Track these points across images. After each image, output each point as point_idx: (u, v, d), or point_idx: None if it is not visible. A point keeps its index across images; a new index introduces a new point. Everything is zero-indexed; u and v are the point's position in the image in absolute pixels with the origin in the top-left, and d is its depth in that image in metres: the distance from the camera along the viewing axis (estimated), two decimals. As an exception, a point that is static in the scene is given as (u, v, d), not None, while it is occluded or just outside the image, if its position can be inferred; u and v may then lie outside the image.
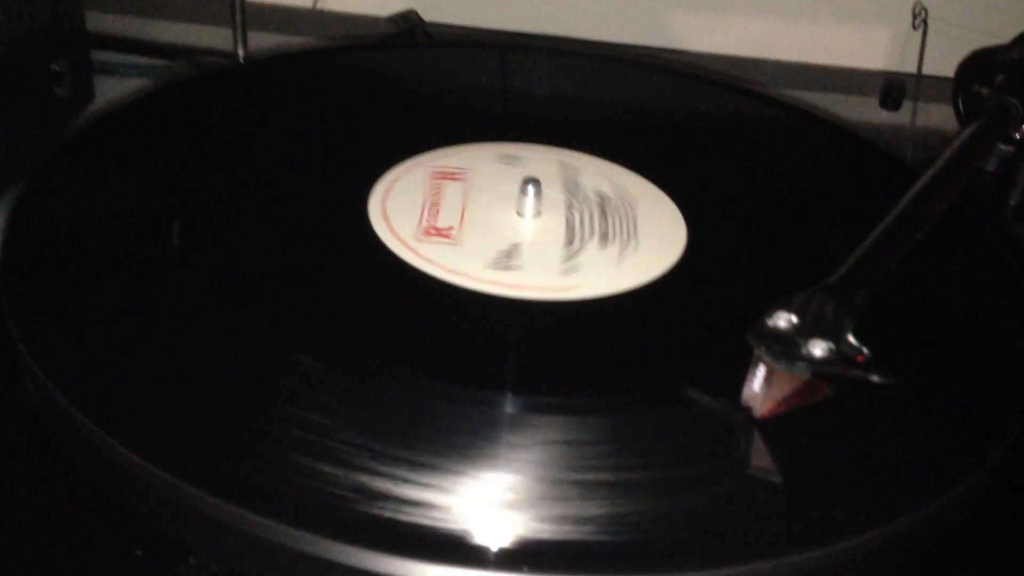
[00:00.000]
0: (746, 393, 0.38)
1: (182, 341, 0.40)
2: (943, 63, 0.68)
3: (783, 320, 0.38)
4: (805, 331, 0.37)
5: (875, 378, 0.36)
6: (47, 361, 0.37)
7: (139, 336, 0.40)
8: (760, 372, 0.37)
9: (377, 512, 0.33)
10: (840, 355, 0.37)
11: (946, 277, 0.49)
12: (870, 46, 0.82)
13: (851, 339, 0.38)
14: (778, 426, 0.38)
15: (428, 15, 0.80)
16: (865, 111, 0.74)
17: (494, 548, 0.33)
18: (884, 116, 0.72)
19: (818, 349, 0.37)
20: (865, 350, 0.37)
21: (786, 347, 0.37)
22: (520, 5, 0.84)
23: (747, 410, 0.38)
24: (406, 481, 0.34)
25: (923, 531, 0.37)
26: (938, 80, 0.70)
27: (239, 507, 0.33)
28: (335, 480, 0.34)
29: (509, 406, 0.38)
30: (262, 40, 0.74)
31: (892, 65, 0.81)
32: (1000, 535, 0.40)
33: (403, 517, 0.33)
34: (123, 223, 0.46)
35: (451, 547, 0.32)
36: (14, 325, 0.39)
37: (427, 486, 0.34)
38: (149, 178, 0.50)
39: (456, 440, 0.36)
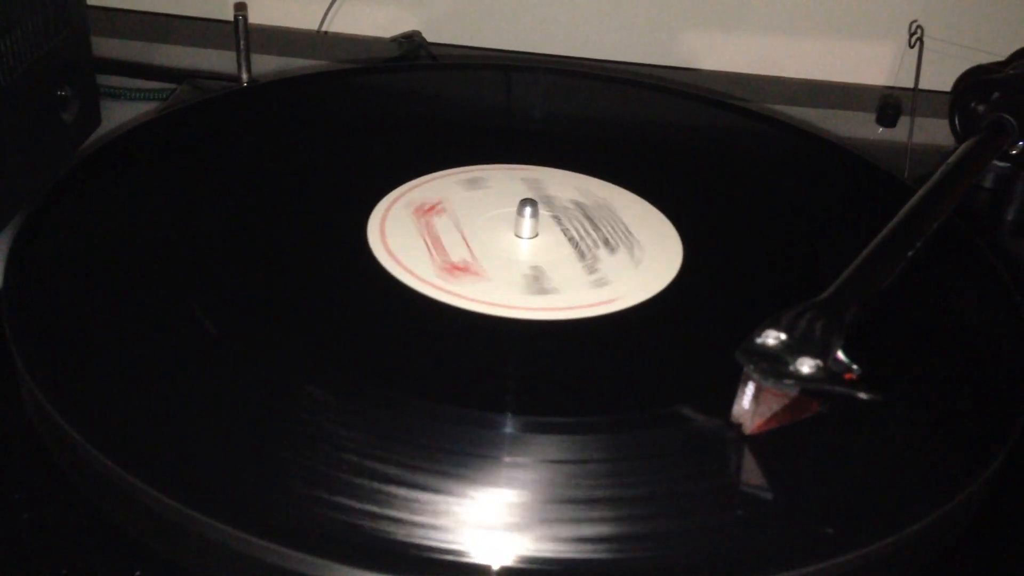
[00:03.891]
0: (736, 410, 0.38)
1: (185, 366, 0.40)
2: (940, 80, 0.69)
3: (772, 338, 0.38)
4: (793, 348, 0.38)
5: (862, 395, 0.37)
6: (51, 387, 0.38)
7: (142, 361, 0.40)
8: (749, 389, 0.38)
9: (381, 534, 0.33)
10: (828, 372, 0.37)
11: (943, 293, 0.49)
12: (868, 63, 0.83)
13: (840, 356, 0.38)
14: (769, 443, 0.38)
15: (432, 36, 0.81)
16: (863, 127, 0.74)
17: (496, 567, 0.33)
18: (882, 132, 0.73)
19: (806, 366, 0.37)
20: (855, 367, 0.38)
21: (774, 364, 0.37)
22: (525, 26, 0.85)
23: (737, 427, 0.38)
24: (411, 502, 0.34)
25: (914, 548, 0.37)
26: (935, 96, 0.71)
27: (239, 530, 0.33)
28: (338, 502, 0.34)
29: (512, 426, 0.39)
30: (268, 63, 0.75)
31: (891, 81, 0.82)
32: (991, 553, 0.40)
33: (408, 538, 0.33)
34: (128, 247, 0.47)
35: (455, 567, 0.33)
36: (17, 351, 0.39)
37: (431, 507, 0.34)
38: (155, 202, 0.50)
39: (460, 461, 0.37)
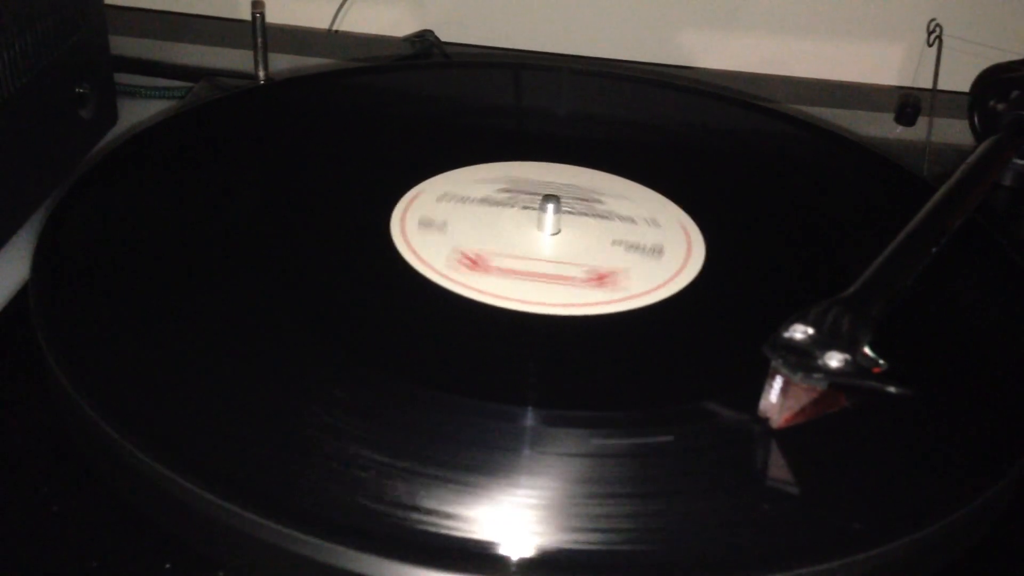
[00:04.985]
0: (763, 404, 0.38)
1: (212, 358, 0.40)
2: (958, 79, 0.69)
3: (800, 332, 0.38)
4: (821, 343, 0.38)
5: (891, 389, 0.37)
6: (78, 378, 0.38)
7: (168, 354, 0.40)
8: (777, 383, 0.38)
9: (404, 524, 0.34)
10: (856, 366, 0.37)
11: (963, 290, 0.49)
12: (885, 62, 0.83)
13: (868, 351, 0.38)
14: (796, 437, 0.38)
15: (444, 35, 0.81)
16: (881, 126, 0.74)
17: (516, 559, 0.33)
18: (900, 131, 0.73)
19: (834, 361, 0.37)
20: (882, 361, 0.38)
21: (802, 359, 0.37)
22: (535, 24, 0.85)
23: (764, 421, 0.38)
24: (435, 494, 0.35)
25: (942, 543, 0.37)
26: (953, 95, 0.70)
27: (268, 520, 0.33)
28: (363, 493, 0.34)
29: (533, 419, 0.39)
30: (279, 61, 0.75)
31: (907, 81, 0.82)
32: (1018, 550, 0.40)
33: (430, 529, 0.34)
34: (150, 244, 0.47)
35: (476, 558, 0.33)
36: (46, 345, 0.39)
37: (453, 498, 0.35)
38: (174, 198, 0.51)
39: (482, 453, 0.37)
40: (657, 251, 0.49)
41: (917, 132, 0.72)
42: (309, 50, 0.80)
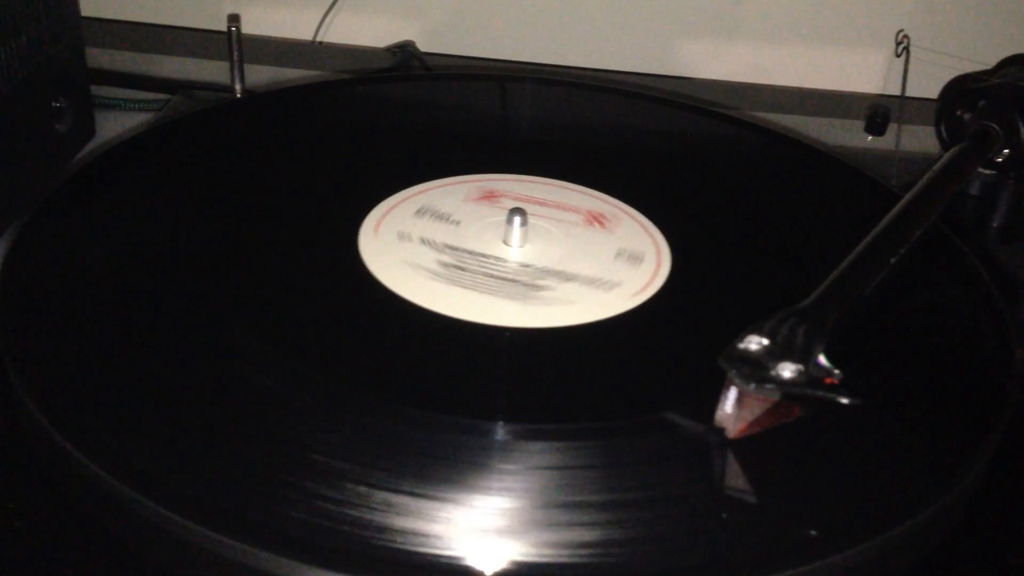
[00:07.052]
0: (719, 415, 0.39)
1: (180, 377, 0.41)
2: (927, 88, 0.69)
3: (754, 343, 0.39)
4: (775, 354, 0.38)
5: (843, 399, 0.37)
6: (47, 403, 0.38)
7: (137, 372, 0.41)
8: (732, 394, 0.38)
9: (376, 542, 0.34)
10: (809, 377, 0.38)
11: (929, 298, 0.50)
12: (858, 71, 0.83)
13: (822, 361, 0.38)
14: (751, 446, 0.38)
15: (427, 46, 0.81)
16: (853, 134, 0.74)
17: (489, 573, 0.33)
18: (870, 140, 0.73)
19: (787, 371, 0.38)
20: (836, 371, 0.38)
21: (756, 370, 0.38)
22: (520, 35, 0.85)
23: (721, 431, 0.39)
24: (403, 511, 0.35)
25: (897, 550, 0.37)
26: (923, 104, 0.71)
27: (234, 539, 0.33)
28: (336, 512, 0.35)
29: (501, 433, 0.39)
30: (261, 73, 0.76)
31: (880, 89, 0.83)
32: (976, 553, 0.40)
33: (401, 545, 0.34)
34: (124, 258, 0.47)
35: (448, 573, 0.33)
36: (11, 363, 0.39)
37: (423, 515, 0.35)
38: (150, 214, 0.51)
39: (451, 468, 0.37)
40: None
41: (888, 140, 0.73)
42: (290, 62, 0.80)
